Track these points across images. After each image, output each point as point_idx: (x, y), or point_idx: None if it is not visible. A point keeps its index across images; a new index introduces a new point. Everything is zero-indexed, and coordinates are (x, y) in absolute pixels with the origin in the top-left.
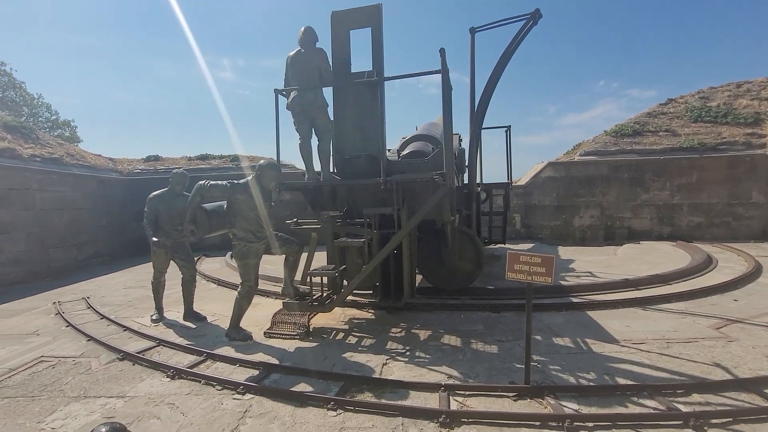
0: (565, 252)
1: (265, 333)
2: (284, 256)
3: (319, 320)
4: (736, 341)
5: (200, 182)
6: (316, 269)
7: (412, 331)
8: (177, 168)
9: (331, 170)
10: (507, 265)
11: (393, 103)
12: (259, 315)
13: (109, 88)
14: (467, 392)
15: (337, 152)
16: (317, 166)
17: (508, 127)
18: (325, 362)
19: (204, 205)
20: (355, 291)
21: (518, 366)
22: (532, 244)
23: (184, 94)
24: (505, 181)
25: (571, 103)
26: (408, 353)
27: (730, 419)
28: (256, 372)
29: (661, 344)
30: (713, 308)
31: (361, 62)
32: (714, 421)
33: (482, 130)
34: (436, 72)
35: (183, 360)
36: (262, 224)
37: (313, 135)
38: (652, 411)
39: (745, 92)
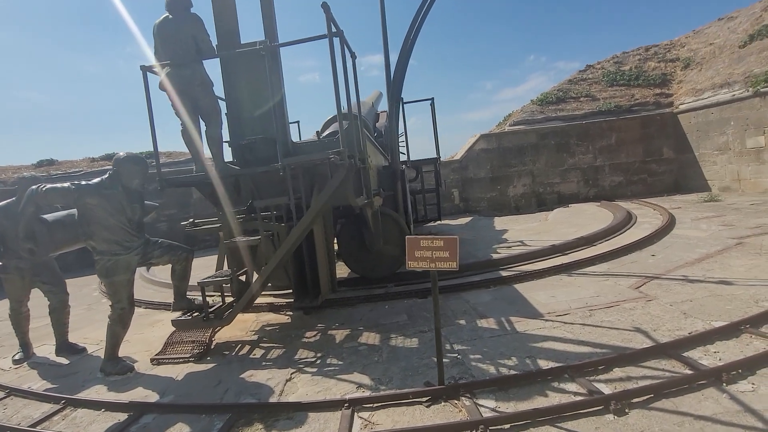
0: (500, 222)
1: (152, 360)
2: (170, 266)
3: (226, 333)
4: (655, 300)
5: (32, 187)
6: (207, 277)
7: (330, 332)
8: (77, 171)
9: (232, 158)
10: (407, 252)
11: (327, 89)
12: (156, 336)
13: (13, 88)
14: (375, 405)
15: (233, 137)
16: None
17: (431, 100)
18: (218, 388)
19: (46, 216)
20: (272, 292)
21: (428, 361)
22: (470, 218)
23: (109, 91)
24: (434, 156)
25: (506, 78)
26: (319, 361)
27: (651, 395)
28: (124, 416)
29: (584, 313)
30: (633, 266)
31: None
32: (635, 400)
33: (405, 105)
34: (322, 36)
35: (34, 412)
36: (130, 231)
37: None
38: (571, 400)
39: (653, 55)
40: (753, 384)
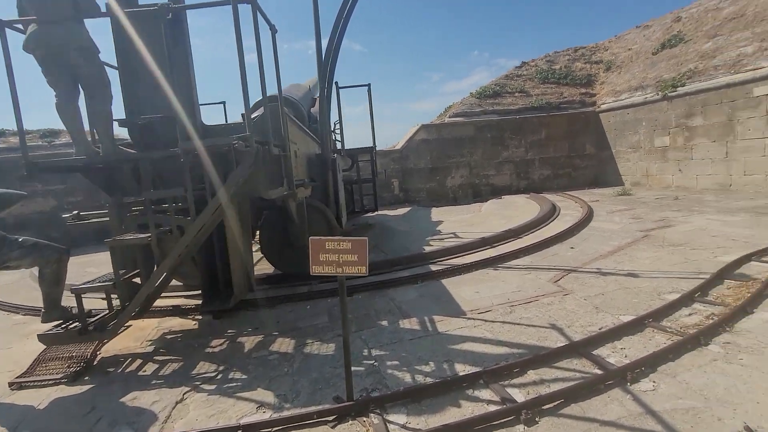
0: (437, 213)
1: (10, 384)
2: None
3: (117, 345)
4: (571, 294)
5: None
6: (85, 282)
7: (240, 339)
8: None
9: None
10: (311, 256)
11: (290, 72)
12: (28, 351)
13: None
14: (274, 429)
15: (129, 115)
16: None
17: (368, 86)
18: (88, 417)
19: None
20: (183, 293)
21: (353, 369)
22: (409, 208)
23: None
24: (370, 145)
25: (451, 71)
26: (220, 376)
27: (561, 400)
28: None
29: (504, 310)
30: (554, 259)
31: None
32: (546, 407)
33: (342, 90)
34: (225, 2)
35: None
36: None
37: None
38: (482, 412)
39: (580, 56)
40: (654, 382)
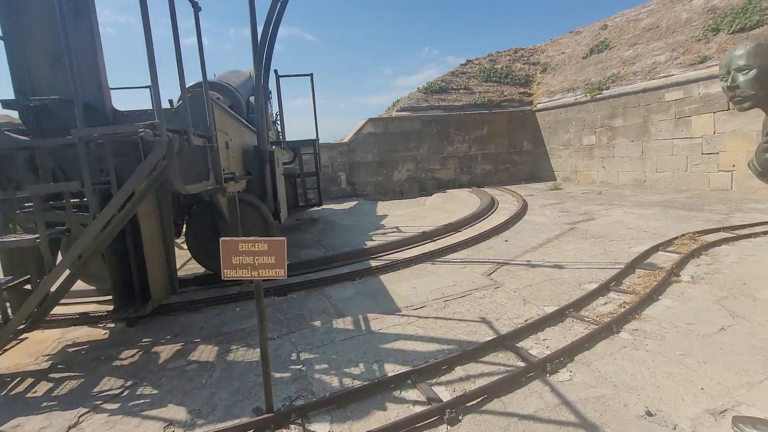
0: (383, 207)
1: None
2: None
3: (6, 361)
4: (502, 287)
5: None
6: None
7: (155, 349)
8: None
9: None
10: (222, 258)
11: (224, 57)
12: None
13: None
14: None
15: (19, 95)
16: None
17: (310, 76)
18: None
19: None
20: (97, 298)
21: (278, 376)
22: (356, 202)
23: None
24: (313, 138)
25: (403, 66)
26: (126, 393)
27: (485, 396)
28: None
29: (439, 305)
30: (489, 252)
31: None
32: (470, 404)
33: (283, 79)
34: None
35: None
36: None
37: None
38: (407, 415)
39: (520, 57)
40: (571, 372)
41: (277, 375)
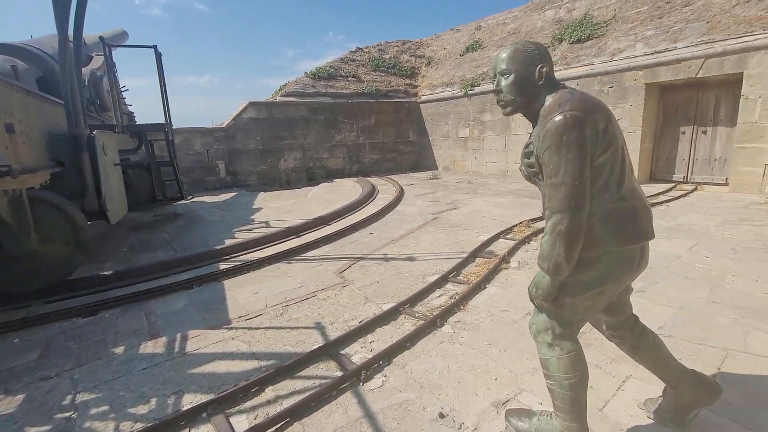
0: (263, 198)
1: None
2: None
3: None
4: (350, 285)
5: None
6: None
7: None
8: None
9: None
10: None
11: (92, 20)
12: None
13: None
14: None
15: None
16: None
17: (154, 47)
18: None
19: None
20: None
21: (37, 428)
22: (235, 193)
23: None
24: (163, 121)
25: (308, 49)
26: None
27: (286, 420)
28: None
29: (276, 311)
30: (351, 246)
31: None
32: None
33: (113, 48)
34: None
35: None
36: None
37: None
38: None
39: (407, 49)
40: (385, 377)
41: (36, 428)
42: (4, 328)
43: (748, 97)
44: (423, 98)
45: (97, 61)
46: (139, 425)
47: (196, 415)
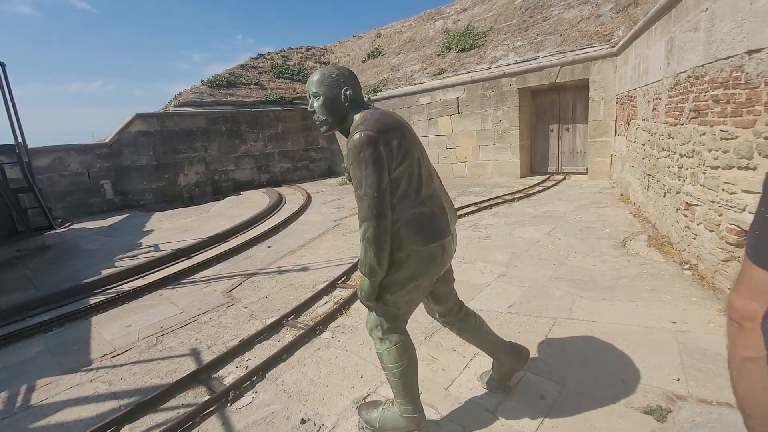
0: (158, 219)
1: None
2: None
3: None
4: (237, 303)
5: None
6: None
7: None
8: None
9: None
10: None
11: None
12: None
13: None
14: None
15: None
16: None
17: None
18: None
19: None
20: None
21: None
22: (126, 215)
23: None
24: (14, 142)
25: (216, 52)
26: None
27: None
28: None
29: (149, 342)
30: (245, 263)
31: None
32: None
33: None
34: None
35: None
36: None
37: None
38: None
39: (312, 55)
40: (256, 393)
41: None
42: None
43: (593, 99)
44: None
45: None
46: None
47: None
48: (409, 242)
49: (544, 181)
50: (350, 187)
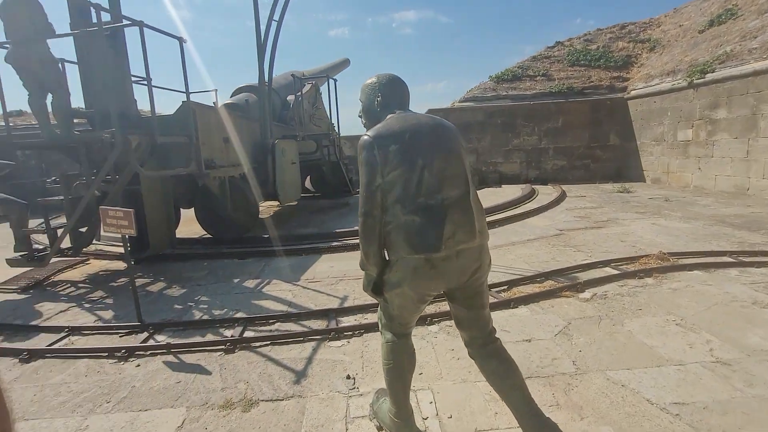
0: None
1: None
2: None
3: (69, 275)
4: None
5: None
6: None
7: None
8: None
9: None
10: (102, 221)
11: (360, 46)
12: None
13: None
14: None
15: (89, 107)
16: None
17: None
18: (11, 313)
19: None
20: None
21: (176, 307)
22: None
23: None
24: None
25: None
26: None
27: None
28: None
29: (332, 281)
30: None
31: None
32: None
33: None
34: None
35: None
36: None
37: None
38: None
39: (626, 34)
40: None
41: (177, 306)
42: (199, 257)
43: None
44: (633, 93)
45: (306, 88)
46: (203, 316)
47: (233, 323)
48: (397, 247)
49: None
50: (627, 197)
